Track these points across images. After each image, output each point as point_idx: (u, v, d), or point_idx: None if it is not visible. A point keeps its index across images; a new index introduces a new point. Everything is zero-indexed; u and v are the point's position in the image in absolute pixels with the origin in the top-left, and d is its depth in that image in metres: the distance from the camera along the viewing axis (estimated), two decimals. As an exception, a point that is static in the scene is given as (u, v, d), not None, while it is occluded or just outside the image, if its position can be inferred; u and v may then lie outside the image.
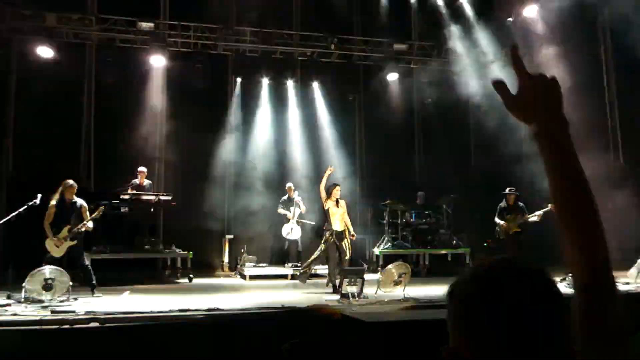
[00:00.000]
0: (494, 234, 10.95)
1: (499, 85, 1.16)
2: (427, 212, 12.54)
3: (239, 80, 14.25)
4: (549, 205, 10.36)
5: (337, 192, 9.10)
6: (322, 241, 9.18)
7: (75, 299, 7.30)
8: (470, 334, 0.95)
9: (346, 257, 8.98)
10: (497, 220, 10.66)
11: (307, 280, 9.53)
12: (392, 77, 14.73)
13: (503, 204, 10.69)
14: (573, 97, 12.91)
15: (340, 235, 9.02)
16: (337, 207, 9.09)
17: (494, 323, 0.92)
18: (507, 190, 10.78)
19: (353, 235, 9.35)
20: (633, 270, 9.15)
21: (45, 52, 12.19)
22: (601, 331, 1.00)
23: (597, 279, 1.03)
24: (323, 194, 9.12)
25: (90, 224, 8.39)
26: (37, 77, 12.68)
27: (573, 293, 1.06)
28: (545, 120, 1.12)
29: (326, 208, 9.14)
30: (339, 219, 9.06)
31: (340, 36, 14.19)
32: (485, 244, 15.23)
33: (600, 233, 1.05)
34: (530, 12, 14.06)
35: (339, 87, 14.67)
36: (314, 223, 11.83)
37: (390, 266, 8.10)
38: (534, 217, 10.29)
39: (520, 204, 10.63)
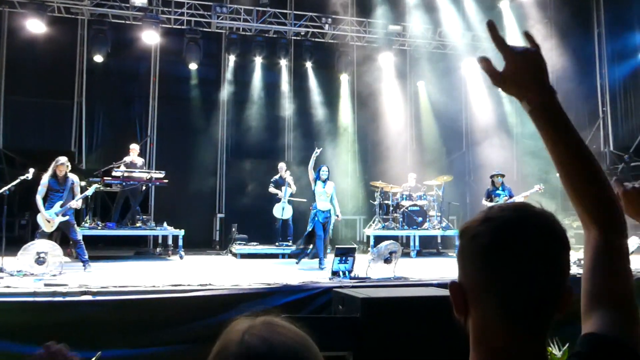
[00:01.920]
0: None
1: (484, 62, 1.18)
2: (418, 194, 12.62)
3: (232, 58, 14.16)
4: (536, 186, 10.53)
5: (322, 174, 9.41)
6: (309, 219, 9.57)
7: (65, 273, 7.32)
8: (474, 268, 1.01)
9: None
10: (484, 202, 10.81)
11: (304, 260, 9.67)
12: (386, 57, 14.70)
13: (490, 186, 10.85)
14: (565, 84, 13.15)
15: (324, 215, 9.37)
16: (324, 188, 9.38)
17: (505, 261, 0.97)
18: (494, 172, 10.92)
19: (338, 216, 9.78)
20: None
21: (36, 26, 12.04)
22: (622, 266, 1.12)
23: (615, 226, 1.14)
24: (311, 175, 9.45)
25: (79, 202, 8.38)
26: (27, 51, 12.56)
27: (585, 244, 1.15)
28: (533, 92, 1.15)
29: (313, 188, 9.48)
30: (325, 199, 9.38)
31: (335, 17, 14.13)
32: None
33: (609, 187, 1.14)
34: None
35: (332, 67, 14.63)
36: (305, 200, 11.87)
37: (380, 245, 8.17)
38: (519, 198, 10.43)
39: (507, 186, 10.76)
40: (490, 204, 9.73)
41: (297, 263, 9.58)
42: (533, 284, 0.96)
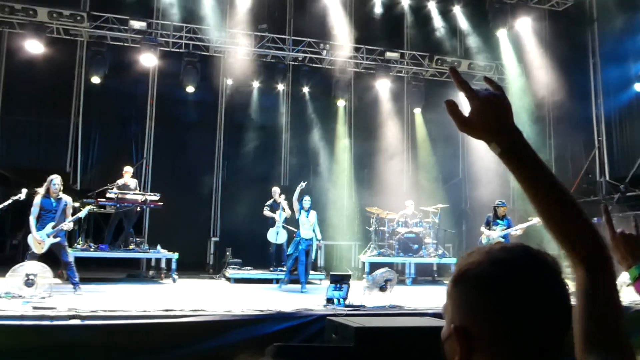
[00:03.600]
0: (478, 244, 10.97)
1: (450, 106, 1.18)
2: (414, 220, 12.56)
3: (229, 82, 14.20)
4: (531, 218, 10.43)
5: (305, 203, 10.03)
6: (292, 245, 10.26)
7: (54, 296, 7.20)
8: (486, 313, 0.95)
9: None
10: (482, 229, 10.72)
11: (290, 285, 10.10)
12: (383, 84, 14.77)
13: (492, 214, 10.73)
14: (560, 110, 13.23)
15: (307, 242, 9.97)
16: (307, 217, 9.99)
17: (525, 306, 0.93)
18: (497, 202, 10.82)
19: (319, 242, 10.41)
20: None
21: (34, 46, 12.07)
22: (611, 306, 1.08)
23: (598, 262, 1.10)
24: (295, 206, 10.12)
25: (71, 224, 8.28)
26: (26, 72, 12.58)
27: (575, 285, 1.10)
28: (500, 135, 1.13)
29: (297, 217, 10.12)
30: (308, 227, 9.98)
31: (333, 42, 14.23)
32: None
33: (588, 220, 1.11)
34: (523, 24, 14.26)
35: (329, 92, 14.67)
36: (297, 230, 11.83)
37: (376, 272, 8.08)
38: (516, 231, 10.36)
39: (508, 217, 10.66)
40: (487, 232, 9.70)
41: (279, 287, 10.16)
42: (550, 327, 0.94)
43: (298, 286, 9.88)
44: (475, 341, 0.95)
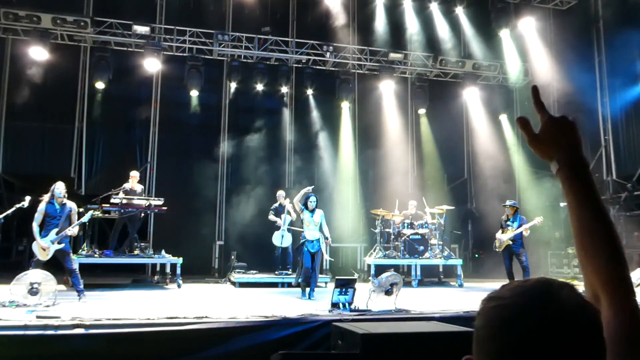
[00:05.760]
0: (483, 246, 10.99)
1: (522, 122, 1.24)
2: (419, 222, 12.49)
3: (233, 85, 14.18)
4: (536, 219, 10.36)
5: (310, 203, 9.54)
6: (298, 251, 9.72)
7: (59, 304, 7.19)
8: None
9: (325, 258, 9.86)
10: (497, 234, 10.60)
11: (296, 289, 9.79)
12: (387, 85, 14.71)
13: (504, 216, 10.63)
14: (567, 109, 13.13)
15: (312, 245, 9.39)
16: (312, 217, 9.51)
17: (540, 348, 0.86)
18: (506, 203, 10.73)
19: (327, 239, 9.77)
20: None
21: (39, 52, 12.09)
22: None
23: (628, 303, 1.06)
24: (297, 206, 9.70)
25: (75, 229, 8.26)
26: (30, 78, 12.60)
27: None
28: (564, 158, 1.19)
29: (302, 218, 9.65)
30: (313, 228, 9.49)
31: (336, 44, 14.20)
32: (476, 255, 15.26)
33: (627, 268, 1.09)
34: (527, 23, 14.18)
35: (333, 94, 14.62)
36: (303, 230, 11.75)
37: (382, 276, 8.02)
38: (523, 231, 10.26)
39: (519, 215, 10.52)
40: (498, 236, 9.62)
41: (310, 298, 9.16)
42: None
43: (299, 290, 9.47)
44: None
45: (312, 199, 9.58)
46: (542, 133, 1.22)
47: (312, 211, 9.51)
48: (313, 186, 9.97)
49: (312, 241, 9.42)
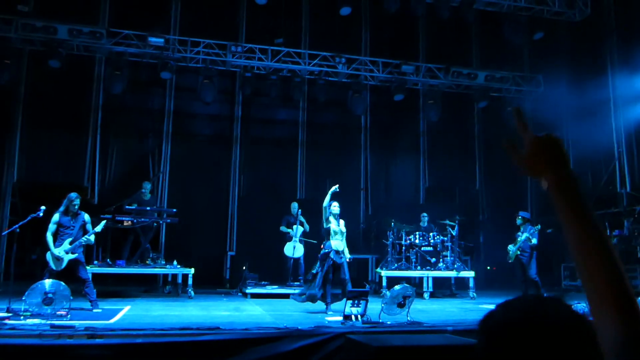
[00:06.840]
0: (496, 258, 11.04)
1: (508, 147, 1.26)
2: (431, 234, 12.44)
3: (246, 96, 14.25)
4: (534, 228, 10.36)
5: (334, 209, 8.87)
6: (321, 260, 8.80)
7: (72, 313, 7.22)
8: None
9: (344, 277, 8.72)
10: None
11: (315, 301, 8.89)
12: (399, 97, 14.72)
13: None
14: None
15: (338, 256, 8.76)
16: (339, 226, 8.85)
17: None
18: (518, 214, 10.73)
19: (349, 260, 9.08)
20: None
21: (55, 63, 12.24)
22: None
23: (633, 327, 1.04)
24: (326, 212, 8.87)
25: (92, 238, 8.33)
26: (46, 88, 12.76)
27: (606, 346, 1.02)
28: (551, 171, 1.20)
29: (327, 226, 8.83)
30: (340, 237, 8.84)
31: (349, 56, 14.23)
32: (488, 268, 15.15)
33: (626, 281, 1.08)
34: (540, 35, 14.15)
35: (345, 106, 14.65)
36: (316, 242, 11.73)
37: (394, 288, 7.99)
38: (528, 242, 10.27)
39: (529, 226, 10.49)
40: (509, 248, 9.59)
41: (329, 310, 8.68)
42: None
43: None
44: None
45: (335, 204, 8.88)
46: (528, 153, 1.24)
47: (337, 219, 8.82)
48: (338, 184, 8.98)
49: (339, 252, 8.75)
